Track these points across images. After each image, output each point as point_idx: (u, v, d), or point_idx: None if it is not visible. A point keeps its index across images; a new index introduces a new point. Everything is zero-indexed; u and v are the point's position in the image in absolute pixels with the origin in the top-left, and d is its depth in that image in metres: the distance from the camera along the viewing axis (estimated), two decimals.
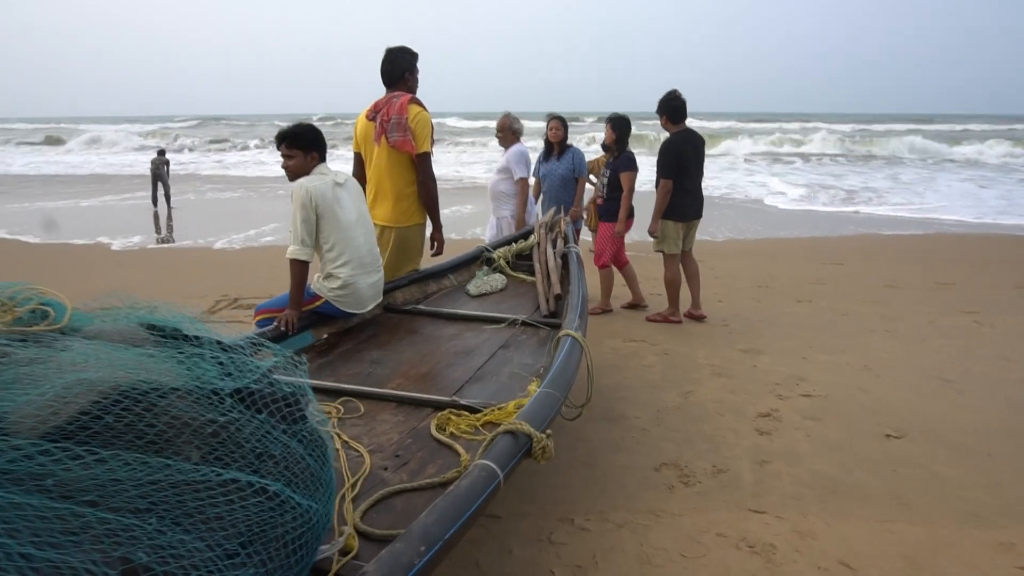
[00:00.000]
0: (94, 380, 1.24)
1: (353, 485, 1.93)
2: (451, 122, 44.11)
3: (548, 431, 1.98)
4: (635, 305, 5.85)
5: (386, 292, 3.74)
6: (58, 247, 9.73)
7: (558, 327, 3.15)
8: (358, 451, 2.14)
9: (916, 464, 3.10)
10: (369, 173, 4.03)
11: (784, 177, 19.21)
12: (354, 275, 3.30)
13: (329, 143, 3.64)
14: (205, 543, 1.16)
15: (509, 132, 5.49)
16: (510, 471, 1.78)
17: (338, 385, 2.64)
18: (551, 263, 4.07)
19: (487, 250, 4.63)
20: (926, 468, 3.06)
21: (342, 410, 2.47)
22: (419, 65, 3.99)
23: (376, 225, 4.09)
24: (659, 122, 5.36)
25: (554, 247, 4.39)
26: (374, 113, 3.89)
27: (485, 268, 4.50)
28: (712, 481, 2.91)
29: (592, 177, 6.13)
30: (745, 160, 24.51)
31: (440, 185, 4.11)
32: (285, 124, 3.47)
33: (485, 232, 6.35)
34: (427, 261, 4.35)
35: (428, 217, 4.08)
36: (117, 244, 9.94)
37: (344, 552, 1.62)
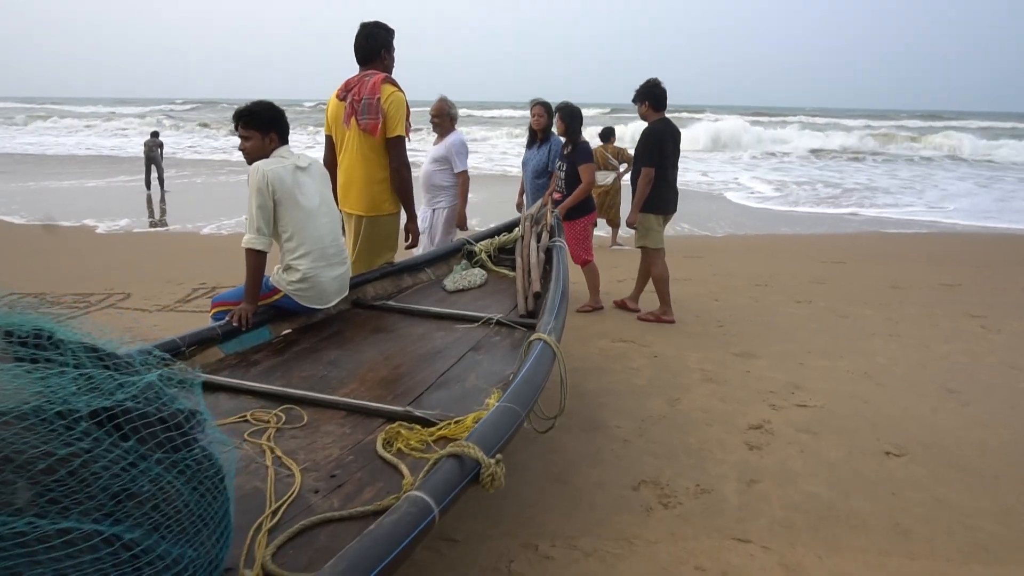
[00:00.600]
0: None
1: (275, 512, 1.69)
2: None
3: (498, 456, 1.73)
4: (593, 308, 5.44)
5: (357, 286, 3.49)
6: (42, 229, 9.51)
7: (534, 328, 2.89)
8: (290, 469, 1.90)
9: (918, 486, 2.84)
10: (340, 157, 3.76)
11: (785, 173, 19.00)
12: (315, 267, 3.04)
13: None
14: None
15: (447, 118, 4.90)
16: (448, 504, 1.53)
17: (282, 390, 2.39)
18: (533, 258, 3.81)
19: (468, 242, 4.37)
20: (929, 492, 2.80)
21: (283, 419, 2.22)
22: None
23: (347, 213, 3.83)
24: (638, 110, 5.07)
25: (539, 241, 4.13)
26: (345, 92, 3.61)
27: (464, 262, 4.24)
28: (694, 503, 2.66)
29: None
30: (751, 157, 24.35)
31: (417, 174, 3.84)
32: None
33: None
34: (403, 254, 4.10)
35: (402, 206, 3.81)
36: (103, 227, 9.71)
37: None
